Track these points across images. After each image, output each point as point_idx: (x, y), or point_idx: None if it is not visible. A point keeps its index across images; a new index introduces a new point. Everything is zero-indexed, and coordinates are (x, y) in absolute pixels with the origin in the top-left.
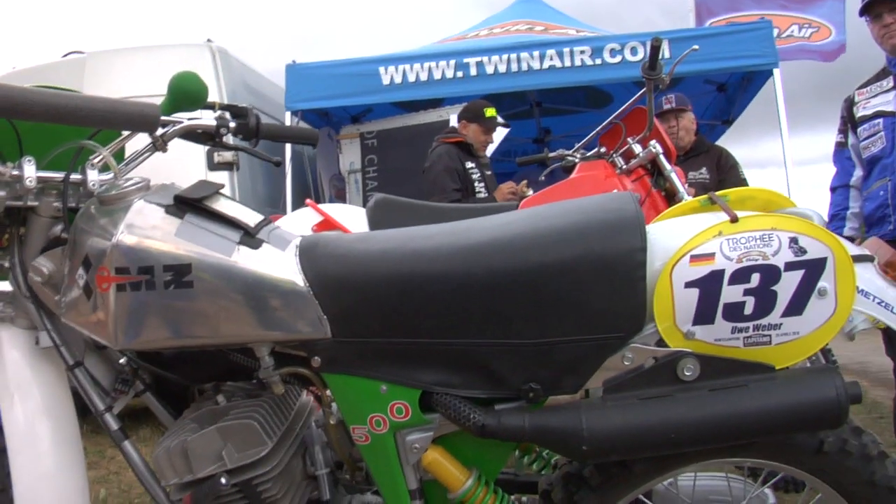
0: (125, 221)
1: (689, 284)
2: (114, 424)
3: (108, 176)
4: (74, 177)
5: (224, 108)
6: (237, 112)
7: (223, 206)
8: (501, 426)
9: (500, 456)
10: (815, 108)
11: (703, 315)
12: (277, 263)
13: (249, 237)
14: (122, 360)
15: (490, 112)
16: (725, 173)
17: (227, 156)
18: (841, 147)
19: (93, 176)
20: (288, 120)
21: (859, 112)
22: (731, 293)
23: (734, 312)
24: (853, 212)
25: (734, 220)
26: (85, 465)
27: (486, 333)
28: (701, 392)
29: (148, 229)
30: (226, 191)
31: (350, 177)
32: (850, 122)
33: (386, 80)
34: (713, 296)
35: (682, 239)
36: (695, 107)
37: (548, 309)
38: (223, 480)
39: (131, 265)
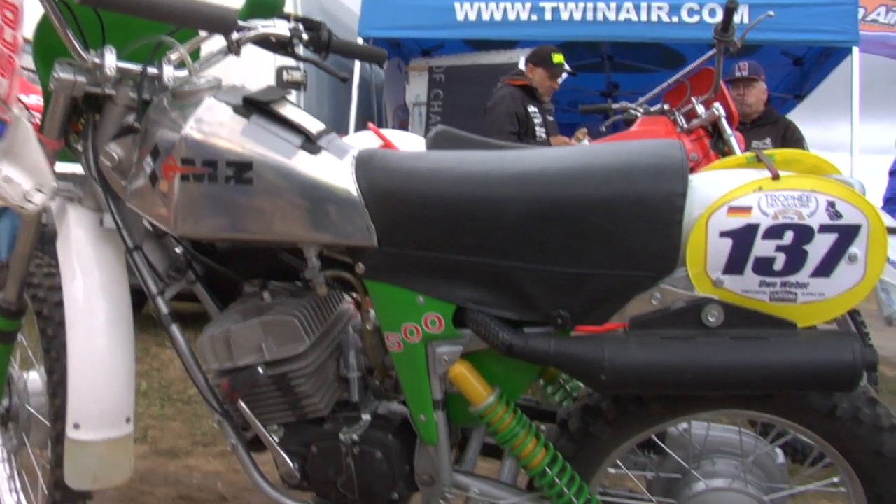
0: (195, 116)
1: (723, 234)
2: (164, 308)
3: (183, 73)
4: (151, 70)
5: (298, 19)
6: (310, 25)
7: (289, 111)
8: (528, 347)
9: (524, 379)
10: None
11: (734, 265)
12: (334, 171)
13: (310, 143)
14: (177, 250)
15: (558, 58)
16: (790, 146)
17: (297, 75)
18: None
19: (169, 71)
20: None
21: None
22: (763, 247)
23: (764, 266)
24: None
25: (776, 177)
26: (134, 345)
27: (523, 257)
28: (722, 339)
29: (215, 125)
30: None
31: (415, 109)
32: None
33: (460, 16)
34: (745, 248)
35: (722, 190)
36: (769, 78)
37: (585, 241)
38: (260, 370)
39: (197, 157)
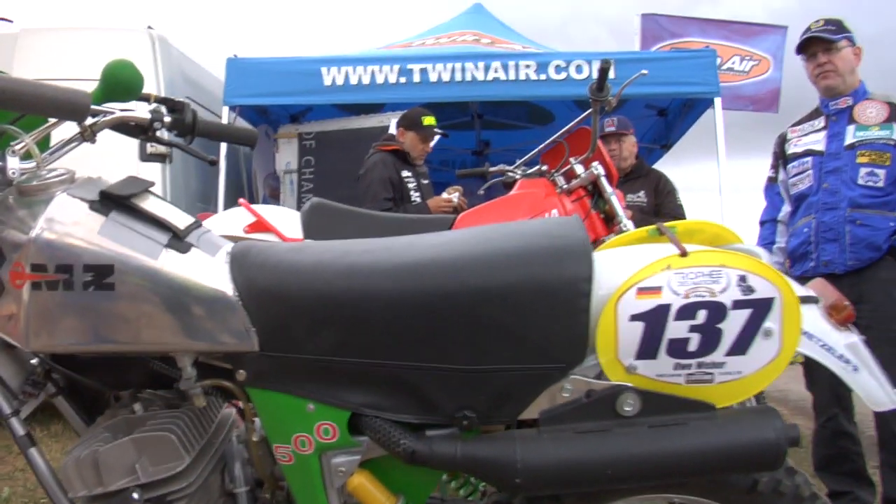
0: (45, 215)
1: (634, 318)
2: (20, 430)
3: (29, 164)
4: None
5: (160, 100)
6: (173, 106)
7: (152, 205)
8: (432, 454)
9: (429, 482)
10: (751, 136)
11: (647, 350)
12: (206, 270)
13: (178, 240)
14: (33, 361)
15: (428, 120)
16: (663, 198)
17: (161, 148)
18: (772, 182)
19: (13, 163)
20: (226, 114)
21: (790, 149)
22: (676, 328)
23: (678, 348)
24: (779, 246)
25: (683, 253)
26: None
27: (419, 356)
28: (640, 428)
29: (69, 225)
30: (157, 185)
31: (286, 177)
32: (781, 158)
33: (328, 81)
34: (658, 330)
35: (629, 270)
36: (635, 130)
37: (485, 335)
38: (135, 495)
39: (49, 262)
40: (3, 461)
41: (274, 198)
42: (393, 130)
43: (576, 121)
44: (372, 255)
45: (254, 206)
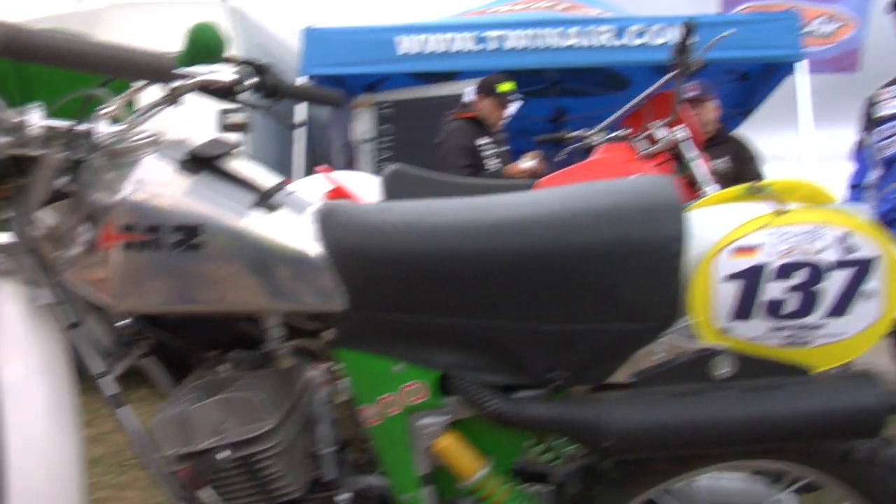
0: (134, 176)
1: (728, 278)
2: (111, 389)
3: (117, 128)
4: (82, 127)
5: (243, 63)
6: (257, 68)
7: (238, 166)
8: (521, 415)
9: (516, 445)
10: (834, 103)
11: (741, 311)
12: (293, 229)
13: (264, 200)
14: (123, 323)
15: (504, 87)
16: (745, 164)
17: (239, 118)
18: (860, 146)
19: (101, 127)
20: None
21: (880, 111)
22: (772, 289)
23: (774, 310)
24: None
25: (782, 211)
26: (79, 431)
27: (509, 316)
28: (733, 391)
29: (158, 186)
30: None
31: (363, 146)
32: (870, 121)
33: (402, 50)
34: (753, 291)
35: (724, 229)
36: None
37: (576, 294)
38: (222, 455)
39: (138, 223)
40: (93, 424)
41: (350, 167)
42: (469, 98)
43: (658, 83)
44: (461, 214)
45: (332, 174)
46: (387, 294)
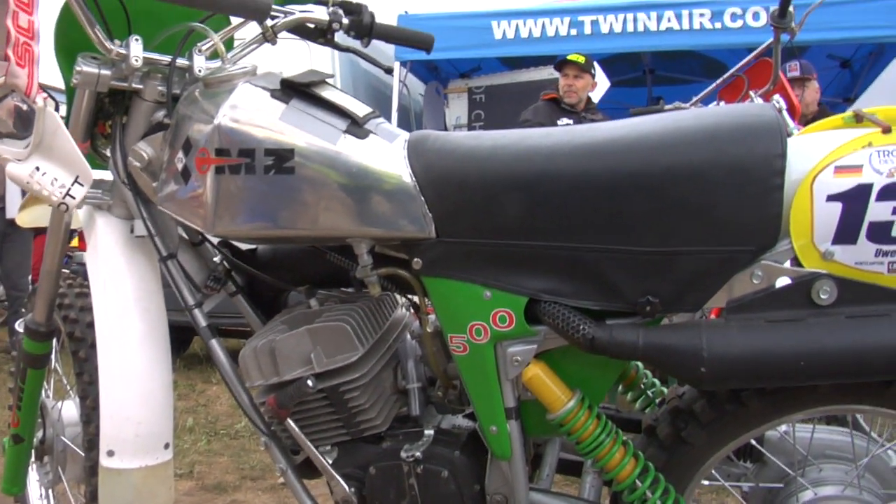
0: (229, 102)
1: (831, 198)
2: (202, 321)
3: (215, 63)
4: (181, 61)
5: (337, 3)
6: (351, 8)
7: (331, 94)
8: (613, 341)
9: (607, 379)
10: None
11: (845, 234)
12: (384, 155)
13: (357, 127)
14: (216, 259)
15: (571, 57)
16: None
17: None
18: None
19: (200, 62)
20: (397, 70)
21: None
22: (878, 211)
23: (880, 233)
24: None
25: (886, 130)
26: (170, 360)
27: (602, 238)
28: (837, 318)
29: (252, 111)
30: None
31: (456, 131)
32: None
33: (498, 35)
34: (858, 212)
35: (826, 148)
36: (819, 81)
37: (672, 215)
38: (310, 383)
39: (232, 147)
40: (187, 397)
41: None
42: None
43: (756, 52)
44: (552, 138)
45: None
46: (477, 219)
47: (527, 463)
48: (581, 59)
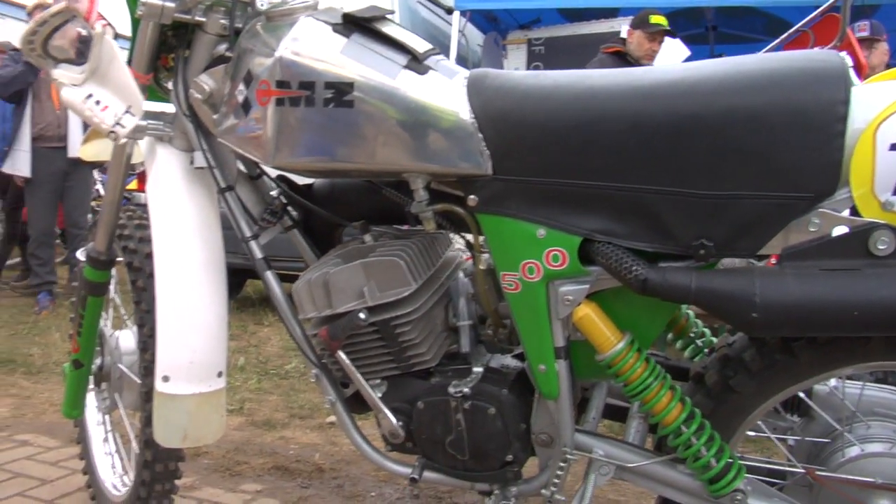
0: (290, 35)
1: (894, 147)
2: (258, 253)
3: None
4: None
5: None
6: None
7: (391, 29)
8: (666, 283)
9: (657, 323)
10: None
11: None
12: (443, 92)
13: (416, 62)
14: (273, 193)
15: (655, 19)
16: None
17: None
18: None
19: None
20: (456, 19)
21: None
22: None
23: None
24: None
25: None
26: (226, 292)
27: (658, 180)
28: (893, 269)
29: (312, 45)
30: None
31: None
32: None
33: None
34: None
35: (891, 98)
36: (889, 43)
37: (729, 158)
38: (362, 316)
39: (292, 79)
40: (239, 338)
41: None
42: (624, 35)
43: (823, 6)
44: (611, 79)
45: None
46: (534, 158)
47: (573, 405)
48: (665, 22)
